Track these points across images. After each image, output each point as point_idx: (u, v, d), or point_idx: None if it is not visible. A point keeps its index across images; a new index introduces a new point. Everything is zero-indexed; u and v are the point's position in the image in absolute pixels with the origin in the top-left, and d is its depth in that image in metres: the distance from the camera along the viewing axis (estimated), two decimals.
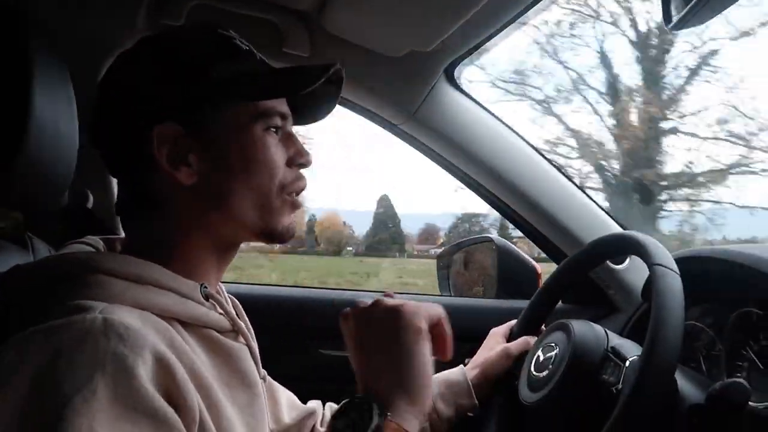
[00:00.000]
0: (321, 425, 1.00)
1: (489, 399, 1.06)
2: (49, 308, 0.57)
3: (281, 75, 0.74)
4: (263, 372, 0.80)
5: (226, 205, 0.70)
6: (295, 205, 0.76)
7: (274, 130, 0.73)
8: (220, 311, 0.72)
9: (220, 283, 0.79)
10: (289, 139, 0.75)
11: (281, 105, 0.74)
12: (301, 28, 1.16)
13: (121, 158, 0.72)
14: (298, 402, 1.00)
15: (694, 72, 5.52)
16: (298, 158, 0.75)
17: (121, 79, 0.71)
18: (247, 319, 0.83)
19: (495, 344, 1.10)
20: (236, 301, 0.84)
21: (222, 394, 0.65)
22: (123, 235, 0.78)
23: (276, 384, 0.96)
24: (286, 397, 0.98)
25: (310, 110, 0.82)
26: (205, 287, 0.70)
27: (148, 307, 0.62)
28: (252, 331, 0.80)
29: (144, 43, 0.72)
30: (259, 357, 0.78)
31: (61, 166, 0.75)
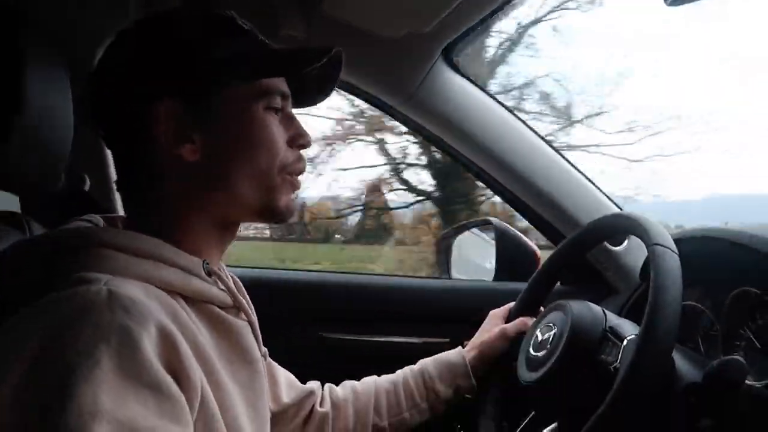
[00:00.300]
0: (320, 406, 1.01)
1: (487, 380, 1.07)
2: (52, 281, 0.57)
3: (282, 54, 0.74)
4: (264, 349, 0.80)
5: (227, 182, 0.70)
6: (295, 185, 0.76)
7: (274, 110, 0.73)
8: (222, 287, 0.72)
9: (221, 264, 0.79)
10: (289, 120, 0.75)
11: (282, 85, 0.74)
12: (297, 10, 1.15)
13: (122, 136, 0.71)
14: (297, 382, 1.01)
15: (514, 43, 5.24)
16: (298, 139, 0.75)
17: (121, 56, 0.71)
18: (247, 296, 0.83)
19: (493, 326, 1.11)
20: (236, 278, 0.84)
21: (223, 370, 0.66)
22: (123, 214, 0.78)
23: (275, 364, 0.97)
24: (285, 376, 0.99)
25: (309, 92, 0.82)
26: (208, 264, 0.70)
27: (151, 280, 0.62)
28: (252, 308, 0.81)
29: (143, 23, 0.72)
30: (260, 333, 0.79)
31: (56, 148, 0.75)
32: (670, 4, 0.67)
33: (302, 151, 0.77)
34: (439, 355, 1.09)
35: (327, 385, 1.06)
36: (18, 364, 0.50)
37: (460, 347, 1.10)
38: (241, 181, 0.70)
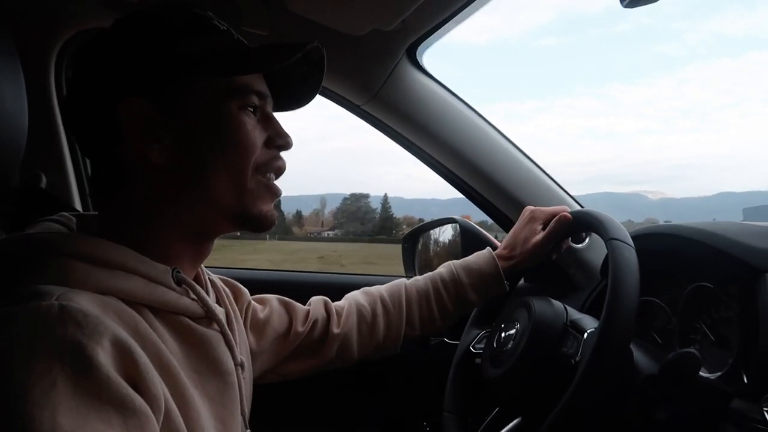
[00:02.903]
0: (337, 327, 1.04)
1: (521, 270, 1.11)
2: (7, 292, 0.55)
3: (252, 52, 0.71)
4: (239, 359, 0.76)
5: (199, 184, 0.68)
6: (272, 190, 0.73)
7: (251, 109, 0.71)
8: (193, 297, 0.70)
9: (203, 267, 0.77)
10: (267, 120, 0.74)
11: (258, 84, 0.72)
12: (260, 5, 1.14)
13: (92, 136, 0.70)
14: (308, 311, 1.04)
15: None
16: (277, 139, 0.73)
17: (91, 56, 0.69)
18: (228, 305, 0.82)
19: (530, 233, 1.09)
20: (219, 287, 0.83)
21: (191, 383, 0.64)
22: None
23: (291, 301, 1.02)
24: (302, 311, 1.03)
25: (291, 95, 0.81)
26: (178, 271, 0.67)
27: (112, 291, 0.60)
28: (232, 319, 0.79)
29: (117, 22, 0.70)
30: (234, 344, 0.75)
31: (9, 144, 0.73)
32: (626, 6, 0.69)
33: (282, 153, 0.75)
34: (469, 262, 1.09)
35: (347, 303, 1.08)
36: None
37: (489, 251, 1.10)
38: (214, 182, 0.68)
